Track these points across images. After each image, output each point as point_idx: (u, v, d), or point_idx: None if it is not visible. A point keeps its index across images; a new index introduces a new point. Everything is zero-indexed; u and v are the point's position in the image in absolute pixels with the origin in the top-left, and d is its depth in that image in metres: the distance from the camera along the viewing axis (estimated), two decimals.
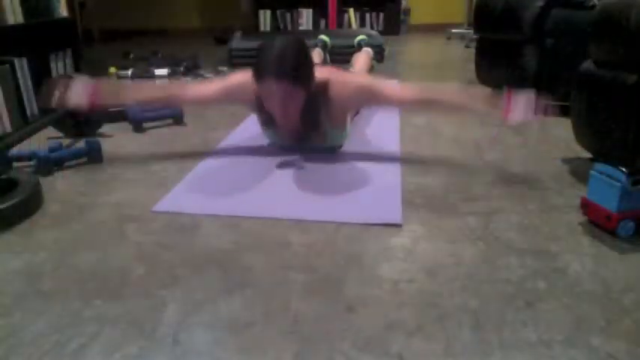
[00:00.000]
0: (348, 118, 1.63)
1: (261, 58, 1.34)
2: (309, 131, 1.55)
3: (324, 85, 1.46)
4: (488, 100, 1.37)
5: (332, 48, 3.19)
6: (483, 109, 1.38)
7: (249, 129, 1.94)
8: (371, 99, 1.52)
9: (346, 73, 1.54)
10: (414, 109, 1.42)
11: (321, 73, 1.48)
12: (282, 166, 1.53)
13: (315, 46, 3.01)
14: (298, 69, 1.34)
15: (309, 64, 1.39)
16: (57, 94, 1.40)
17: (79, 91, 1.45)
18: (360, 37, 3.08)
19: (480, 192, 1.34)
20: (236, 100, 1.58)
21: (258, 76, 1.34)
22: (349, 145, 1.70)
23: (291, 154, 1.62)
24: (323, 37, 3.08)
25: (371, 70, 2.89)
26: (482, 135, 1.83)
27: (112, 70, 3.26)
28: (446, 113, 1.39)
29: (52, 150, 1.55)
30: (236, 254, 1.05)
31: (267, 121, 1.56)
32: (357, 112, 2.06)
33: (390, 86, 1.50)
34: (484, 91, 1.32)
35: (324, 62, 2.98)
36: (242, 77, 1.52)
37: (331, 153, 1.63)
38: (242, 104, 1.60)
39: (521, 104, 1.30)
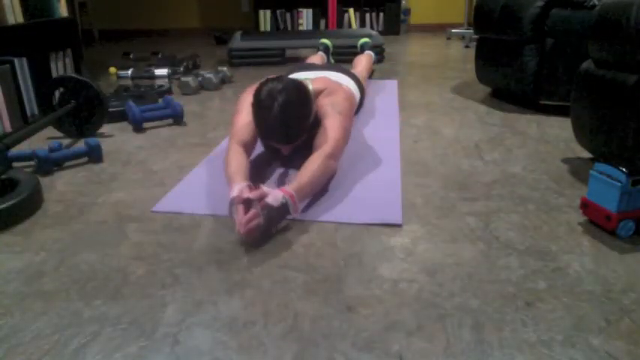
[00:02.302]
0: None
1: (263, 122, 1.28)
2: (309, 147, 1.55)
3: (317, 95, 1.48)
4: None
5: (333, 48, 3.20)
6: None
7: None
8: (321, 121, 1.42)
9: (335, 88, 1.50)
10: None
11: (318, 83, 1.51)
12: (281, 165, 1.53)
13: (318, 49, 3.03)
14: (302, 129, 1.31)
15: (309, 113, 1.34)
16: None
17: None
18: (363, 40, 3.08)
19: (480, 192, 1.34)
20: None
21: (263, 137, 1.33)
22: (349, 145, 1.70)
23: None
24: (325, 40, 3.08)
25: (372, 73, 2.89)
26: (482, 135, 1.83)
27: (112, 70, 3.26)
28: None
29: (52, 150, 1.55)
30: (236, 254, 1.05)
31: (274, 154, 1.59)
32: (358, 110, 2.06)
33: (337, 127, 1.37)
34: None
35: (327, 63, 2.99)
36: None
37: None
38: None
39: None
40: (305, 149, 1.41)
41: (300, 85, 1.33)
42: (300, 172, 1.22)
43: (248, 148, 1.37)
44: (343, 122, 1.40)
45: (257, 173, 1.47)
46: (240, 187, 1.15)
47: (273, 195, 1.11)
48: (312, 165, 1.25)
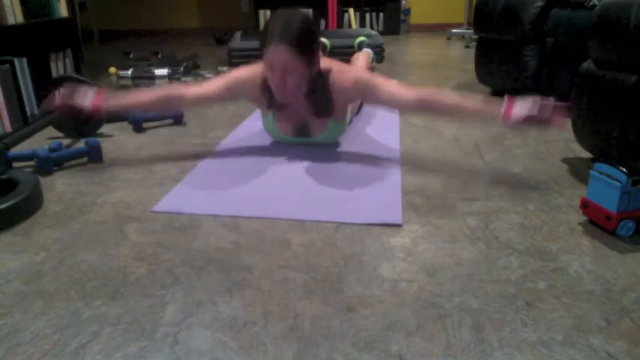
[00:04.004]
0: (348, 110, 1.67)
1: (268, 25, 1.41)
2: (315, 112, 1.57)
3: (327, 72, 1.53)
4: (489, 102, 1.35)
5: (332, 49, 3.20)
6: (484, 109, 1.35)
7: (250, 129, 1.94)
8: (366, 94, 1.51)
9: (347, 65, 1.59)
10: (413, 111, 1.47)
11: (324, 62, 1.55)
12: (282, 165, 1.53)
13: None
14: (302, 37, 1.39)
15: (313, 39, 1.44)
16: (62, 95, 1.49)
17: (84, 94, 1.52)
18: (360, 38, 3.08)
19: (480, 192, 1.34)
20: (240, 94, 1.61)
21: (264, 42, 1.41)
22: (349, 145, 1.70)
23: (290, 153, 1.62)
24: (322, 39, 3.08)
25: (371, 71, 2.89)
26: (482, 135, 1.83)
27: (112, 70, 3.26)
28: (446, 116, 1.41)
29: (52, 150, 1.55)
30: (236, 254, 1.05)
31: (270, 104, 1.58)
32: (359, 110, 2.06)
33: (389, 84, 1.47)
34: (481, 96, 1.31)
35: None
36: (244, 72, 1.57)
37: (330, 145, 1.67)
38: (246, 97, 1.62)
39: (525, 105, 1.28)
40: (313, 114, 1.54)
41: (309, 15, 1.46)
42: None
43: (187, 100, 1.55)
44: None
45: (259, 168, 1.47)
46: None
47: None
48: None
